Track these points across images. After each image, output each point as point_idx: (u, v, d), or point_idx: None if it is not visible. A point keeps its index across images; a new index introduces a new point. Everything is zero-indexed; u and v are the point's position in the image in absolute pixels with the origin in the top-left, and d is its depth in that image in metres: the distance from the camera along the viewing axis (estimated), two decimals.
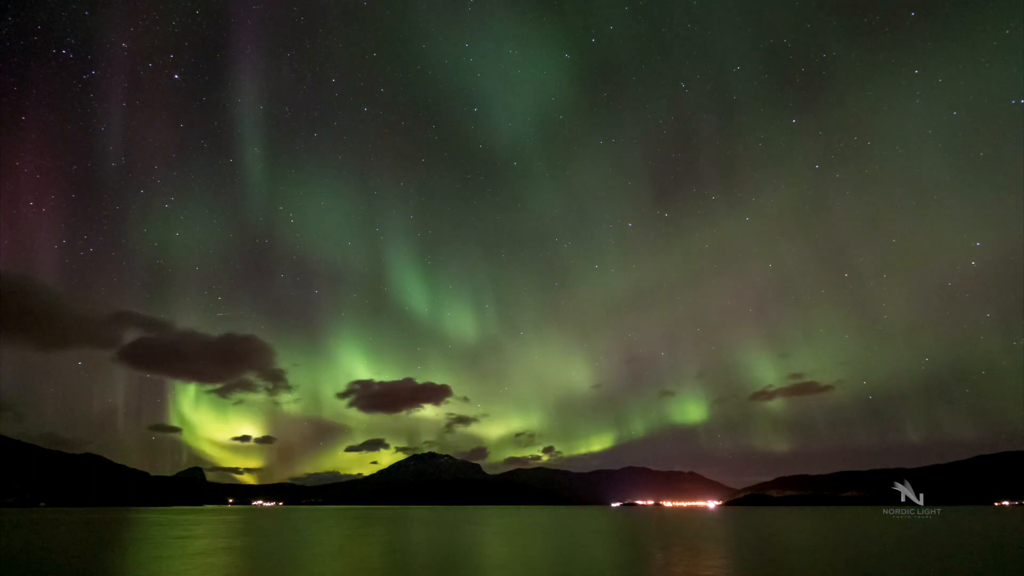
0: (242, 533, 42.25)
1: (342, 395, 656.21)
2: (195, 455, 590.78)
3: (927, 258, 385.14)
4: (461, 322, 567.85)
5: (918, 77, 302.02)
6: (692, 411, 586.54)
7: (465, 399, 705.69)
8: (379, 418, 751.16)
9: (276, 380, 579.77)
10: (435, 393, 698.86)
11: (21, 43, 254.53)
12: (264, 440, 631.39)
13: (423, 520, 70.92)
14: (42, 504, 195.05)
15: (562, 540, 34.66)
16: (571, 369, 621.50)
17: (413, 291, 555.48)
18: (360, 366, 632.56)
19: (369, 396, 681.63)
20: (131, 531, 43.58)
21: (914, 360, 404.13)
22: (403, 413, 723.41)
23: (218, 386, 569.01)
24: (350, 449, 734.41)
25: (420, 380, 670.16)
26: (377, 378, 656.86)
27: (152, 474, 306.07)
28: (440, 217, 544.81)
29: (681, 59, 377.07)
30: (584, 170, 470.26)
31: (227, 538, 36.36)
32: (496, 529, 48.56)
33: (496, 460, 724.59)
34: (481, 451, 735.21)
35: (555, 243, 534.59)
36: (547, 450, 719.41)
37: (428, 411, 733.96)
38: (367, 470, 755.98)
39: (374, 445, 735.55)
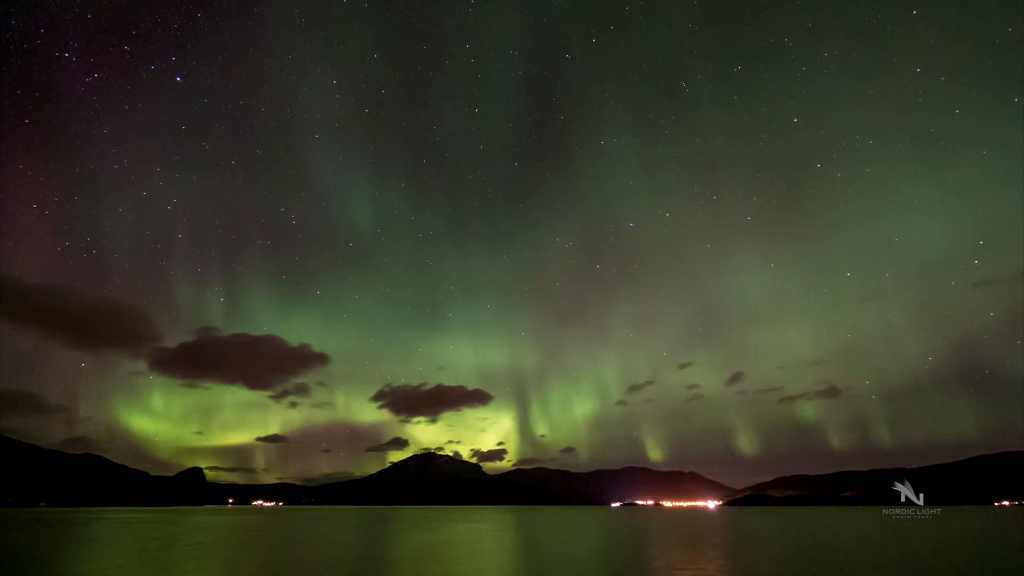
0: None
1: (378, 396, 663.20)
2: (207, 456, 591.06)
3: (930, 257, 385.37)
4: (468, 322, 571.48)
5: (920, 76, 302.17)
6: (723, 414, 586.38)
7: (498, 402, 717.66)
8: (410, 420, 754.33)
9: (318, 384, 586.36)
10: (477, 398, 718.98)
11: (24, 46, 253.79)
12: (291, 441, 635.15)
13: (416, 520, 70.75)
14: (42, 504, 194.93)
15: (563, 540, 34.58)
16: (580, 371, 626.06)
17: (419, 295, 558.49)
18: (403, 370, 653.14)
19: (407, 399, 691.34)
20: (129, 530, 43.54)
21: (916, 360, 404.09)
22: (440, 416, 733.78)
23: (272, 392, 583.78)
24: (372, 449, 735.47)
25: (471, 387, 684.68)
26: (430, 382, 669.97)
27: (152, 474, 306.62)
28: (440, 217, 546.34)
29: (681, 59, 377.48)
30: (585, 170, 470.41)
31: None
32: (476, 529, 48.50)
33: (512, 459, 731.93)
34: (500, 452, 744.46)
35: (556, 243, 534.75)
36: (566, 451, 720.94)
37: (463, 415, 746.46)
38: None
39: (397, 444, 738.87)
